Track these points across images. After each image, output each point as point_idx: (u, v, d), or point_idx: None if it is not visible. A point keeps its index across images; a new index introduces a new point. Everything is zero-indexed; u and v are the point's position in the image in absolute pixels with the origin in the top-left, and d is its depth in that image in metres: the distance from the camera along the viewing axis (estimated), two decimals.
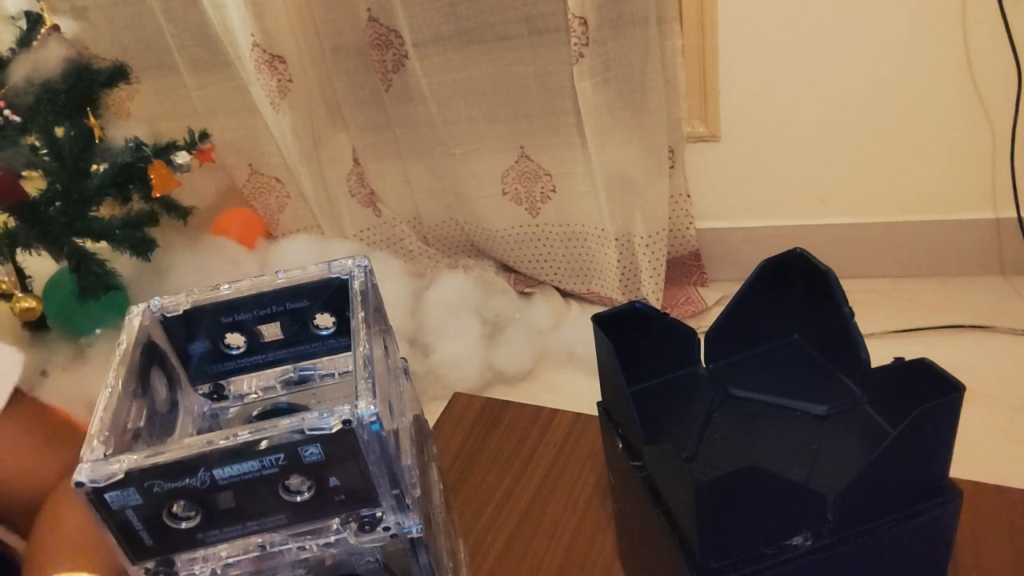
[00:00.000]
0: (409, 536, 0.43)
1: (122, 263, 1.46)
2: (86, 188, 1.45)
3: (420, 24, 1.55)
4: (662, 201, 1.59)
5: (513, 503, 0.72)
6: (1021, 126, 1.40)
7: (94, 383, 1.16)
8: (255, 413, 0.55)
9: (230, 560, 0.42)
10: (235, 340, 0.54)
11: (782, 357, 0.52)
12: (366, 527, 0.42)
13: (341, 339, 0.55)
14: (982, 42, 1.36)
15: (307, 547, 0.43)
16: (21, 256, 1.44)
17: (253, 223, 1.90)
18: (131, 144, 1.50)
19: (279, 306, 0.52)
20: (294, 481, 0.41)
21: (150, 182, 1.51)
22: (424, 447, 0.56)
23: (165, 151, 1.54)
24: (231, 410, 0.55)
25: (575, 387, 1.54)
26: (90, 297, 1.40)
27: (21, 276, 1.45)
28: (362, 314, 0.47)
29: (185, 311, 0.51)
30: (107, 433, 0.40)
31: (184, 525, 0.39)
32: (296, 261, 1.21)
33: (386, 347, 0.51)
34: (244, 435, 0.38)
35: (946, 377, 0.39)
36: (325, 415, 0.39)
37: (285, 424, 0.39)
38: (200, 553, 0.41)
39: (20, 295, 1.43)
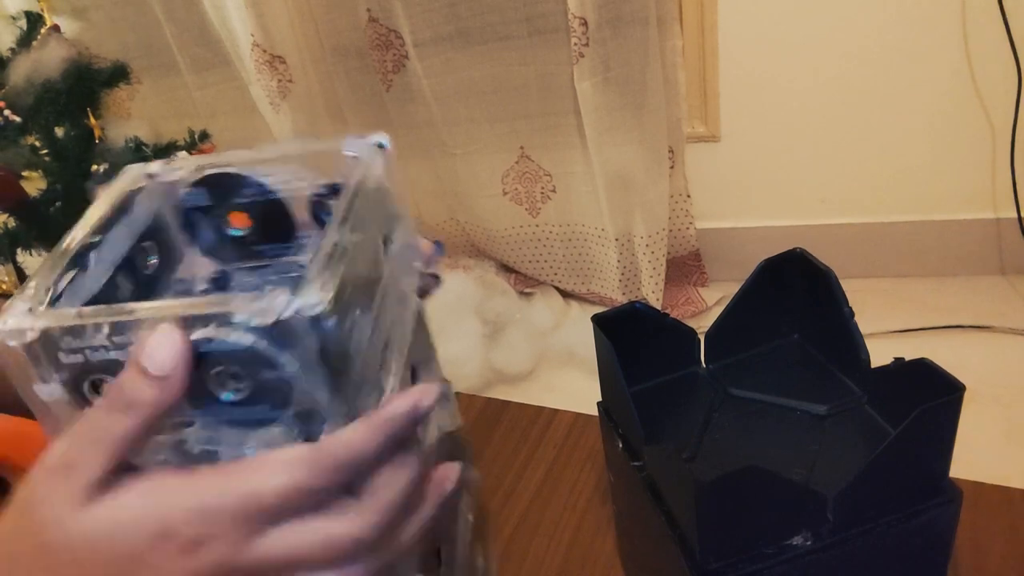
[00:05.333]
0: None
1: None
2: (86, 188, 1.44)
3: (420, 24, 1.55)
4: (662, 201, 1.59)
5: (513, 503, 0.72)
6: (1021, 126, 1.40)
7: None
8: None
9: None
10: (239, 221, 0.44)
11: (782, 357, 0.52)
12: None
13: None
14: (982, 42, 1.36)
15: None
16: (21, 256, 1.44)
17: None
18: (131, 144, 1.49)
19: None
20: None
21: None
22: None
23: (165, 151, 1.54)
24: None
25: (575, 387, 1.54)
26: None
27: (21, 276, 1.45)
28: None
29: (187, 177, 0.42)
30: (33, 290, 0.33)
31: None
32: None
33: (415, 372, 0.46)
34: None
35: (946, 377, 0.39)
36: None
37: None
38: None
39: None
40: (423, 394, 0.30)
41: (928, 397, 0.37)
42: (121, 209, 0.40)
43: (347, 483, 0.28)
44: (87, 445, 0.27)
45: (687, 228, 1.68)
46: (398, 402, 0.30)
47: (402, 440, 0.30)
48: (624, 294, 1.70)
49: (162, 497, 0.26)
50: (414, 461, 0.30)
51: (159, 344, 0.27)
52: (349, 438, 0.28)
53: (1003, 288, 1.56)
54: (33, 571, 0.26)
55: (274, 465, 0.27)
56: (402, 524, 0.31)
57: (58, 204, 1.42)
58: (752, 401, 0.50)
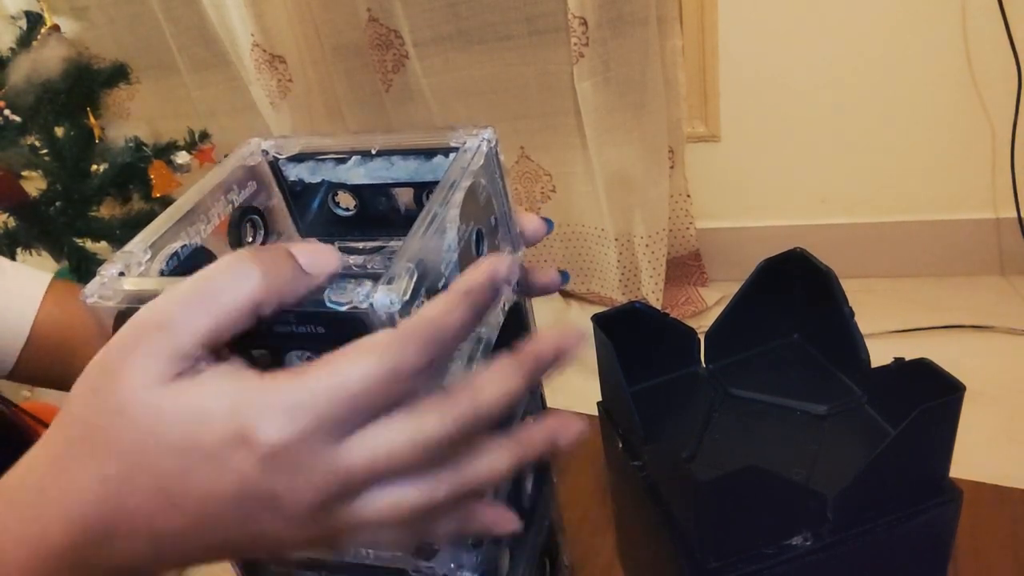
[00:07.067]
0: None
1: None
2: (86, 188, 1.45)
3: (420, 24, 1.55)
4: (662, 201, 1.59)
5: None
6: (1021, 126, 1.40)
7: None
8: None
9: None
10: (345, 200, 0.45)
11: (782, 357, 0.52)
12: (422, 552, 0.41)
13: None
14: (982, 42, 1.36)
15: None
16: (21, 256, 1.44)
17: None
18: (131, 144, 1.50)
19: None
20: None
21: (150, 182, 1.51)
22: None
23: (165, 151, 1.54)
24: None
25: (575, 387, 1.54)
26: None
27: None
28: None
29: (297, 155, 0.44)
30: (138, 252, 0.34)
31: None
32: None
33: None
34: None
35: (946, 377, 0.39)
36: None
37: None
38: None
39: None
40: (497, 261, 0.28)
41: (928, 397, 0.37)
42: (234, 180, 0.42)
43: (436, 362, 0.26)
44: (193, 304, 0.23)
45: (687, 228, 1.68)
46: (473, 272, 0.28)
47: (484, 311, 0.28)
48: (624, 294, 1.70)
49: (247, 393, 0.23)
50: (513, 371, 0.28)
51: (322, 251, 0.26)
52: (431, 314, 0.26)
53: (1003, 288, 1.56)
54: (99, 450, 0.24)
55: (358, 352, 0.25)
56: (491, 438, 0.28)
57: (58, 204, 1.42)
58: (752, 401, 0.50)
